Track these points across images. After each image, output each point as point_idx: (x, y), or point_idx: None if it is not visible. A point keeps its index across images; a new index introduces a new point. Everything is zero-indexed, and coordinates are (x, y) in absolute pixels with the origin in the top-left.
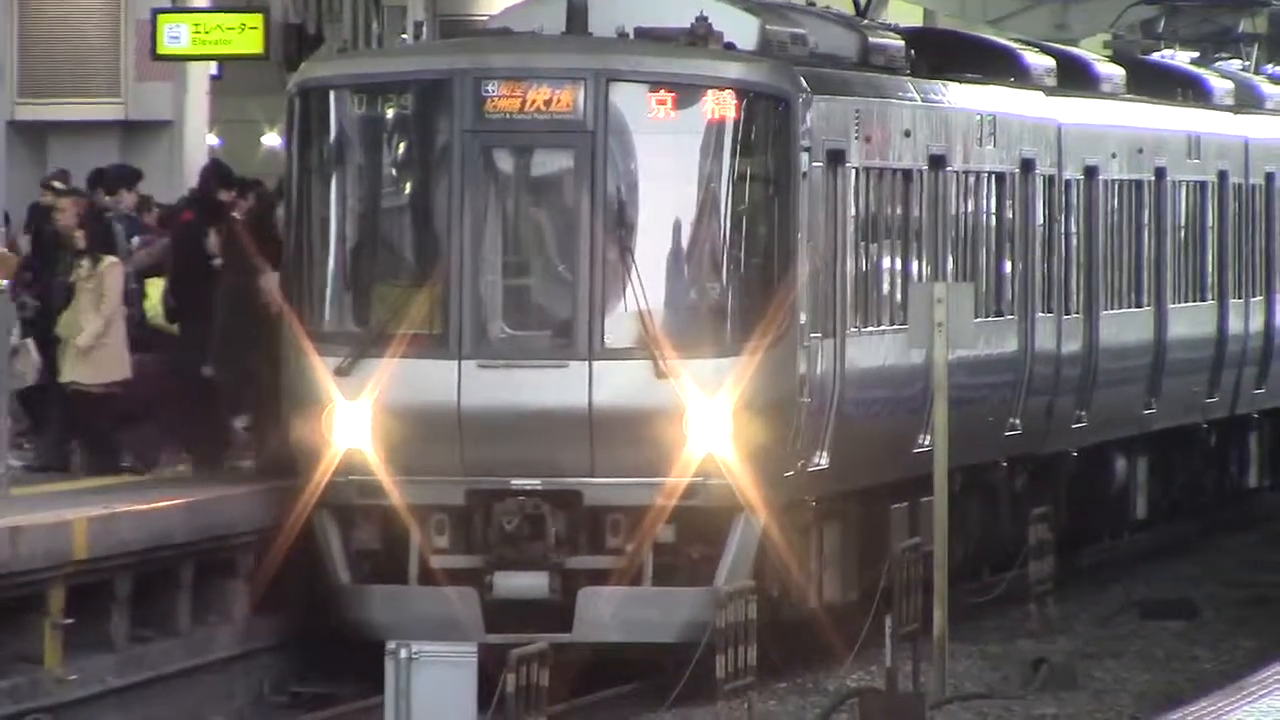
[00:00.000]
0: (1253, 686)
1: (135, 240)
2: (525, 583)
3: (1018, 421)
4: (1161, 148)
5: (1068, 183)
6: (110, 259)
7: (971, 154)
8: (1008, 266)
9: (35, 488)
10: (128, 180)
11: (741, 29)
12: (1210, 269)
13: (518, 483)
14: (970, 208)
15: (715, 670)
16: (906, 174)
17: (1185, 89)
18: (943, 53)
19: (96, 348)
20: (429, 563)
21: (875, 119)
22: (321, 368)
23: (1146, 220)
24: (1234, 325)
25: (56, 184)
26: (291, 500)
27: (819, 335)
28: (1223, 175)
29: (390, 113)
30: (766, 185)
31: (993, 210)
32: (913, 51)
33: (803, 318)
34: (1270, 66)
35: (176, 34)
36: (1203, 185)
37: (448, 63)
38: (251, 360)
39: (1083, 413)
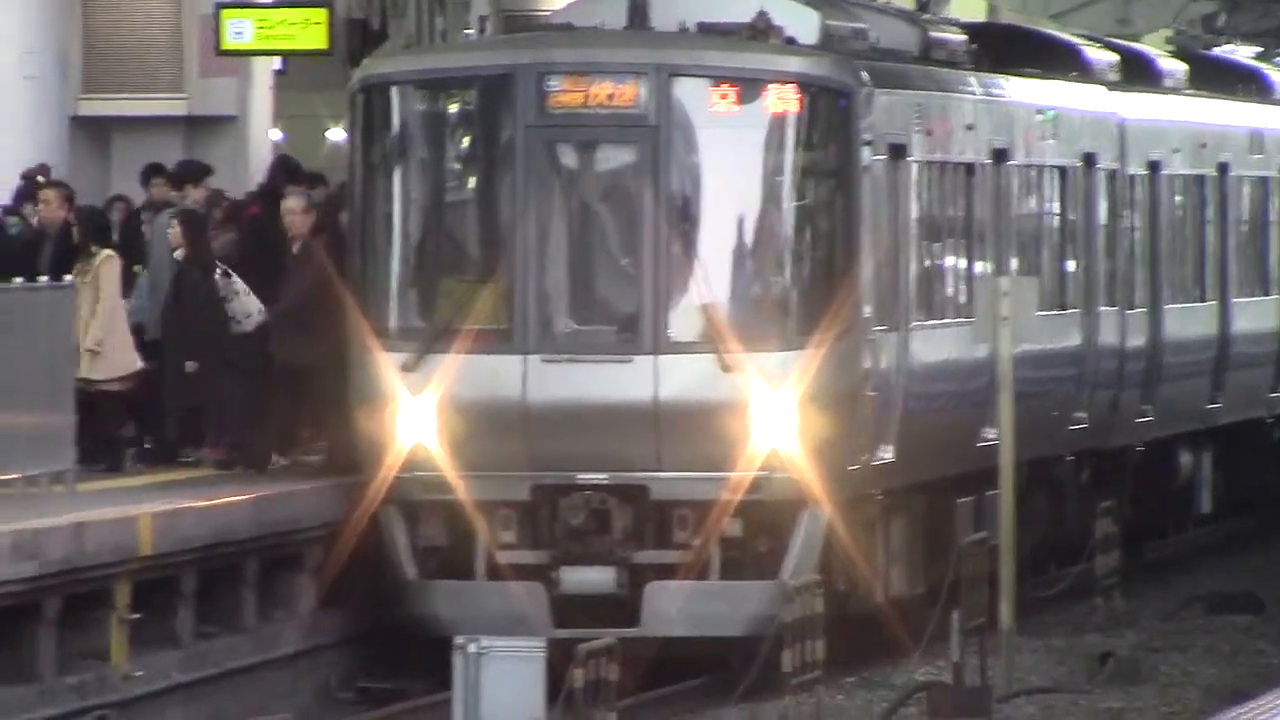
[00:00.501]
0: None
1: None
2: (592, 577)
3: (1083, 415)
4: (1224, 143)
5: (1131, 177)
6: (106, 252)
7: (1033, 148)
8: (1071, 260)
9: (101, 483)
10: (195, 175)
11: (802, 23)
12: (1273, 263)
13: (584, 477)
14: (1032, 201)
15: (782, 664)
16: (969, 168)
17: (1247, 84)
18: (1005, 47)
19: (102, 343)
20: (495, 558)
21: (937, 113)
22: (387, 363)
23: (1210, 215)
24: None
25: (40, 178)
26: (357, 496)
27: (883, 328)
28: None
29: (453, 108)
30: (829, 179)
31: (1055, 204)
32: (974, 46)
33: (866, 311)
34: None
35: (240, 29)
36: (1265, 180)
37: (510, 58)
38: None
39: (1148, 407)
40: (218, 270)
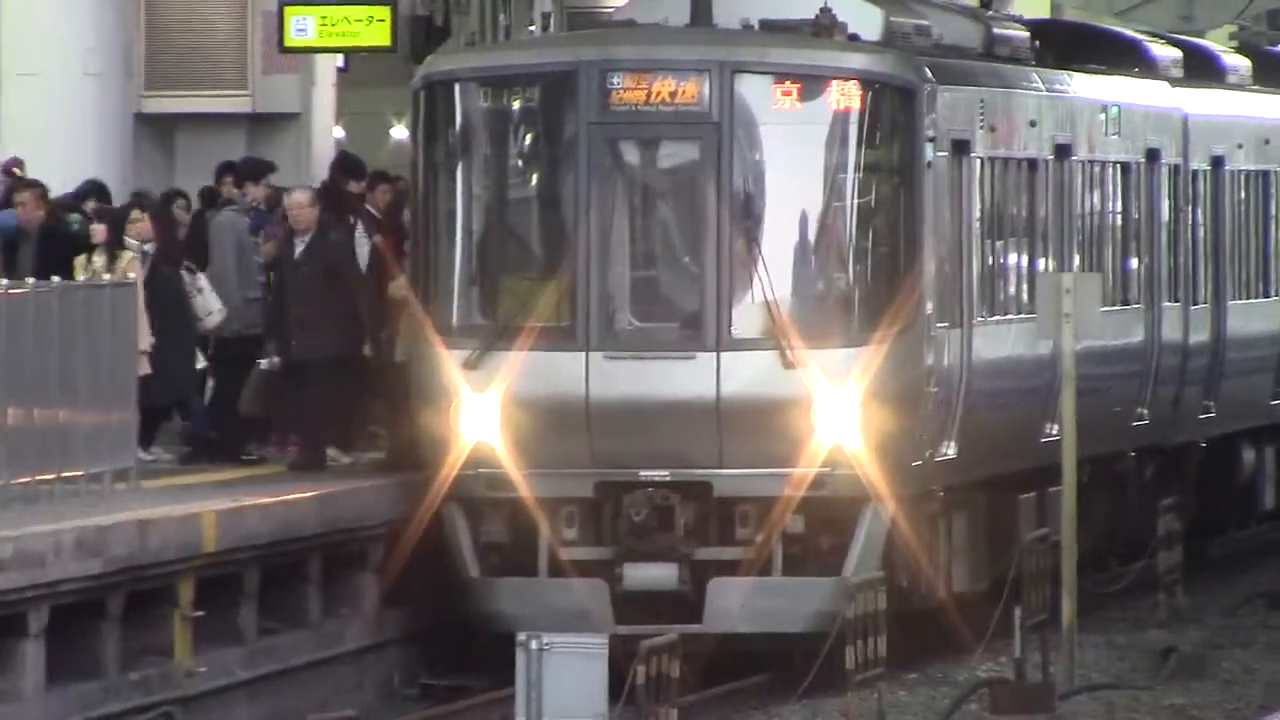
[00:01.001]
0: None
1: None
2: (655, 574)
3: (1145, 412)
4: None
5: (1194, 173)
6: (129, 254)
7: (1096, 144)
8: (1134, 256)
9: (165, 480)
10: (256, 173)
11: (865, 20)
12: None
13: (646, 474)
14: (1095, 197)
15: (845, 661)
16: (1031, 163)
17: None
18: (1068, 44)
19: None
20: (558, 555)
21: (1000, 109)
22: (449, 361)
23: (1273, 210)
24: None
25: (15, 171)
26: (420, 493)
27: (945, 325)
28: None
29: (515, 105)
30: (892, 175)
31: (1118, 200)
32: (1037, 43)
33: (929, 307)
34: None
35: (303, 26)
36: None
37: (573, 55)
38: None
39: (1210, 403)
40: (182, 265)
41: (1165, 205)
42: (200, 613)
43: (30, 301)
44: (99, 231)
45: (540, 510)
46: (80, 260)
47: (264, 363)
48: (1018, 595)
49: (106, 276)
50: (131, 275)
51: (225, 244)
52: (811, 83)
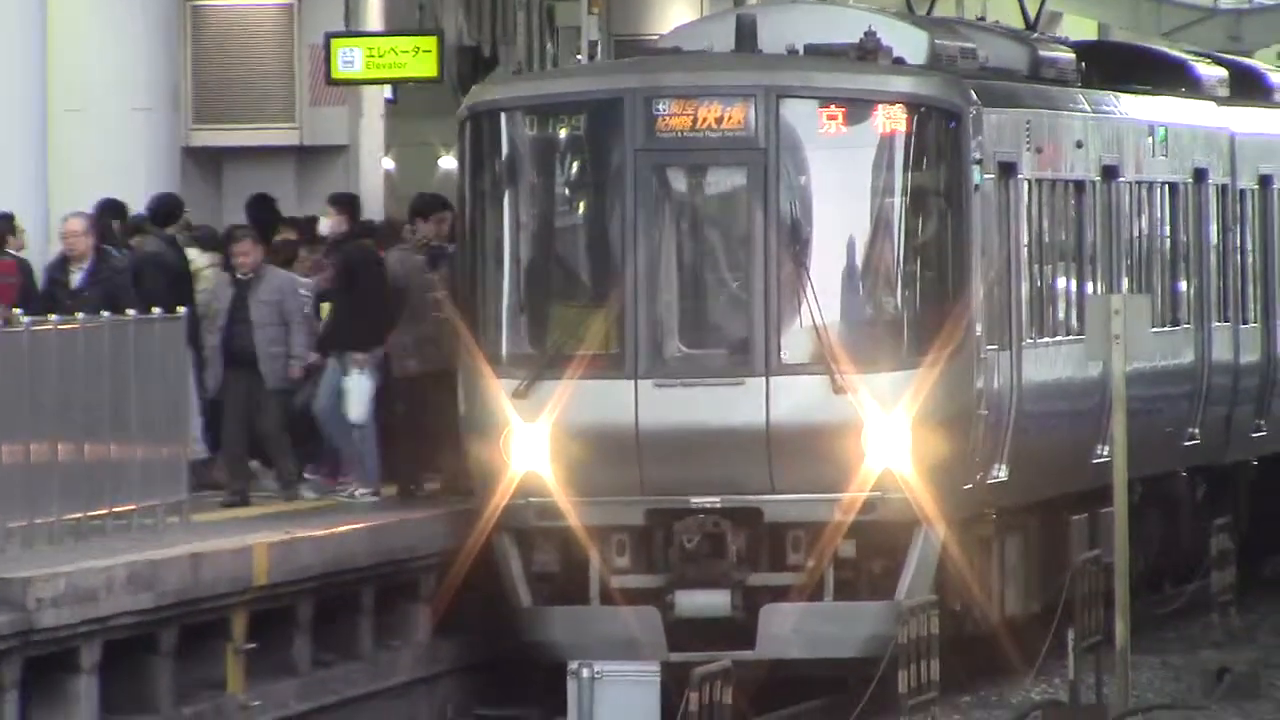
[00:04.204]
0: None
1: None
2: (707, 601)
3: (1196, 431)
4: None
5: (1241, 192)
6: None
7: (1144, 164)
8: (1182, 276)
9: (216, 514)
10: (427, 209)
11: (911, 44)
12: None
13: (697, 501)
14: (1143, 218)
15: (898, 685)
16: (1079, 185)
17: None
18: (1114, 65)
19: None
20: (609, 583)
21: (1046, 130)
22: (499, 390)
23: None
24: None
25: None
26: (470, 523)
27: (995, 347)
28: None
29: (562, 133)
30: (939, 198)
31: (1166, 220)
32: (1083, 64)
33: (978, 330)
34: None
35: (350, 58)
36: None
37: (618, 82)
38: None
39: (1262, 421)
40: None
41: (1214, 225)
42: (253, 645)
43: (80, 336)
44: None
45: (591, 539)
46: None
47: None
48: (1071, 617)
49: None
50: None
51: (400, 281)
52: (857, 107)
